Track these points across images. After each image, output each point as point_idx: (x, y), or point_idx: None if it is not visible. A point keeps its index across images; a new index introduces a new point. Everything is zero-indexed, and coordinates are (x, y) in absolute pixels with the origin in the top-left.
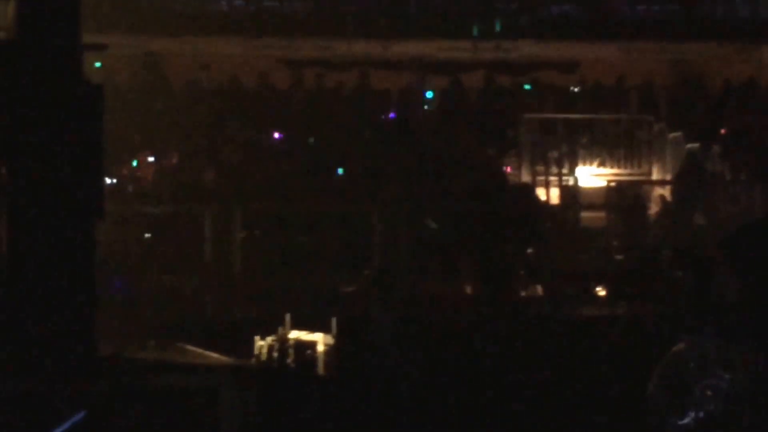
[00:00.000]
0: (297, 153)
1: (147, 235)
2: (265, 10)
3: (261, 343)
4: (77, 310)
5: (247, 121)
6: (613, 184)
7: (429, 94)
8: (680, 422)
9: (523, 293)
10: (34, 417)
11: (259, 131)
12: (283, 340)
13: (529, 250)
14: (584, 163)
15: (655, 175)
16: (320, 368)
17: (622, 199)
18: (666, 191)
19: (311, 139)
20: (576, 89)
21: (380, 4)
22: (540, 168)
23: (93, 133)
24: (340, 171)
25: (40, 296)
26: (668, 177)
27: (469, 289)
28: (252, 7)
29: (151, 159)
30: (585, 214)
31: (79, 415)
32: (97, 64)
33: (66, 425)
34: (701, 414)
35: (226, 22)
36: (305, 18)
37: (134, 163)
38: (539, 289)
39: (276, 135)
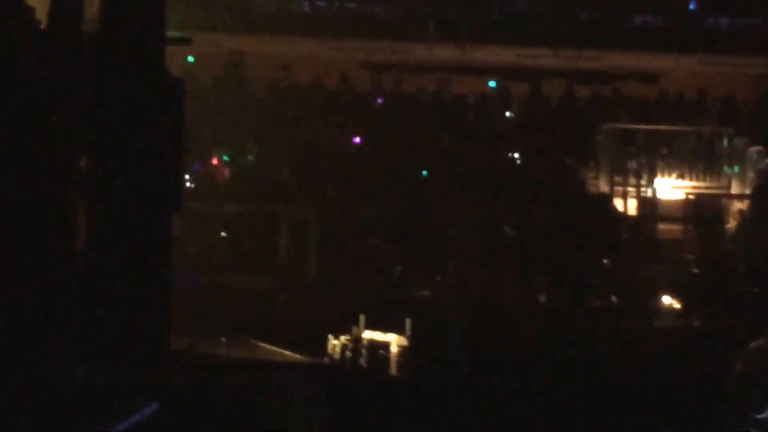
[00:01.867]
0: (375, 156)
1: (223, 233)
2: (346, 12)
3: (334, 342)
4: (152, 303)
5: (326, 122)
6: (691, 196)
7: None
8: (758, 416)
9: (597, 303)
10: (108, 408)
11: (338, 133)
12: (357, 340)
13: (605, 261)
14: (663, 175)
15: (734, 189)
16: (393, 369)
17: (700, 212)
18: (745, 205)
19: (389, 143)
20: (656, 100)
21: (461, 9)
22: (618, 178)
23: (174, 127)
24: (421, 174)
25: (117, 289)
26: (747, 191)
27: (543, 297)
28: (334, 8)
29: (228, 157)
30: (662, 226)
31: (152, 407)
32: (190, 59)
33: (138, 417)
34: None
35: (308, 23)
36: (386, 21)
37: (213, 161)
38: (614, 300)
39: (356, 138)
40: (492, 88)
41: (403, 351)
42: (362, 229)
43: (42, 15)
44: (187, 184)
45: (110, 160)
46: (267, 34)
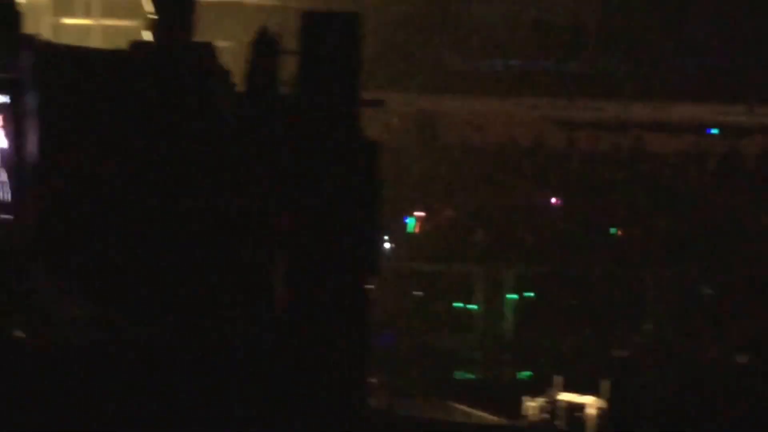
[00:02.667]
0: (570, 213)
1: (417, 293)
2: (539, 70)
3: (530, 404)
4: (351, 363)
5: (519, 180)
6: None
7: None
8: None
9: None
10: None
11: (532, 191)
12: (553, 401)
13: None
14: None
15: None
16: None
17: None
18: None
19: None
20: None
21: (656, 66)
22: None
23: (370, 189)
24: (616, 232)
25: (318, 347)
26: None
27: (742, 358)
28: (527, 66)
29: (418, 215)
30: None
31: None
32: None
33: None
34: None
35: (502, 81)
36: (580, 79)
37: (407, 221)
38: None
39: (552, 199)
40: (700, 139)
41: (601, 413)
42: (558, 288)
43: (238, 78)
44: (385, 244)
45: (308, 221)
46: (460, 94)
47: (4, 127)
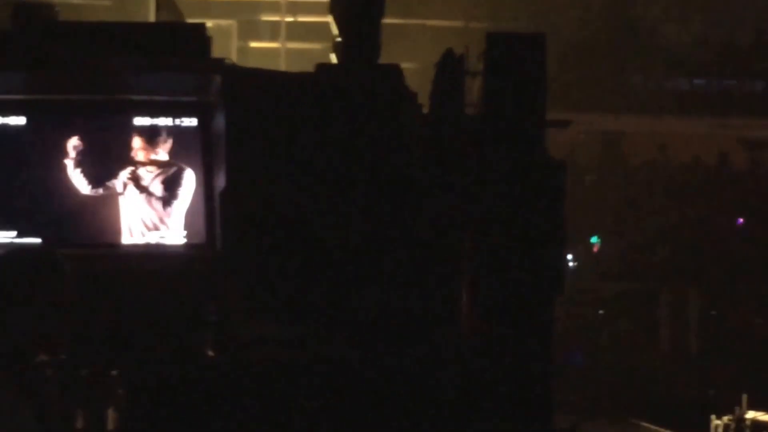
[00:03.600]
0: (754, 233)
1: (601, 312)
2: (724, 88)
3: (717, 423)
4: (535, 383)
5: (703, 200)
6: None
7: None
8: None
9: None
10: None
11: (717, 211)
12: (740, 420)
13: None
14: None
15: None
16: None
17: None
18: None
19: None
20: None
21: None
22: None
23: (555, 210)
24: None
25: (503, 367)
26: None
27: None
28: (712, 85)
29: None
30: None
31: None
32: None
33: None
34: None
35: (685, 101)
36: (765, 96)
37: (592, 240)
38: None
39: (739, 219)
40: None
41: None
42: (744, 307)
43: (424, 99)
44: (569, 263)
45: (493, 242)
46: (645, 114)
47: (188, 149)
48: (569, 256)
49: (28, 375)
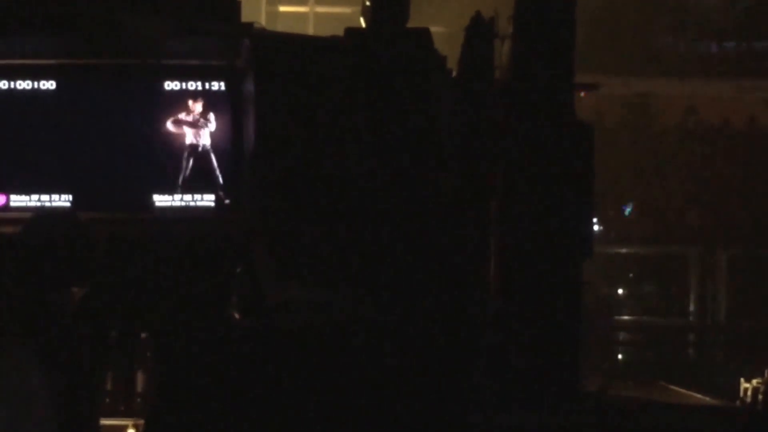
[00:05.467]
0: None
1: (630, 275)
2: (754, 50)
3: (746, 386)
4: (563, 346)
5: (734, 163)
6: None
7: None
8: None
9: None
10: None
11: (746, 173)
12: None
13: None
14: None
15: None
16: None
17: None
18: None
19: None
20: None
21: None
22: None
23: (584, 173)
24: None
25: (529, 332)
26: None
27: None
28: (742, 48)
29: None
30: None
31: None
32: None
33: None
34: None
35: (714, 63)
36: None
37: (626, 212)
38: None
39: None
40: None
41: None
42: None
43: (453, 63)
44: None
45: (521, 205)
46: (675, 76)
47: (217, 113)
48: (596, 220)
49: (57, 341)
